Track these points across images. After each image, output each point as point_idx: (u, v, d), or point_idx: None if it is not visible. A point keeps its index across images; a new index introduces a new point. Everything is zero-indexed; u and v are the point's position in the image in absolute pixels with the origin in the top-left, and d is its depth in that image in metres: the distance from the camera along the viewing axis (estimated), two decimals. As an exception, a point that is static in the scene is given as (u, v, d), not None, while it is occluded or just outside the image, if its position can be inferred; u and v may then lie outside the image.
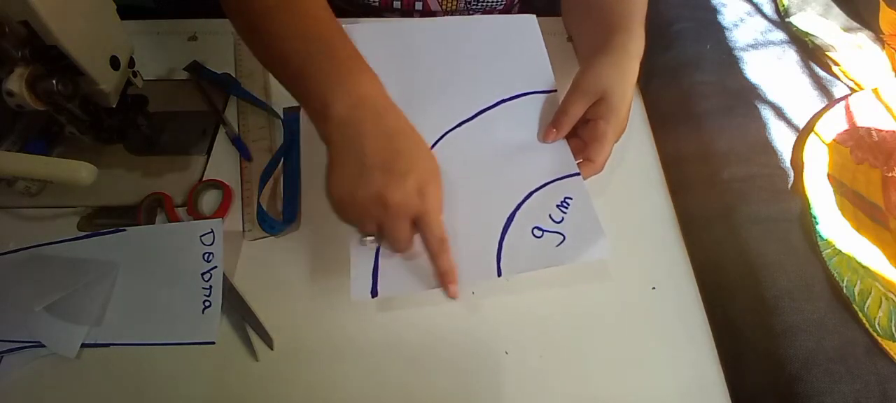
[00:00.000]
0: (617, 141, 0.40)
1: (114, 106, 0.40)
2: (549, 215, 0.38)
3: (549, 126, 0.42)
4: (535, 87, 0.45)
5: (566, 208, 0.39)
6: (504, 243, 0.37)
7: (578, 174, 0.40)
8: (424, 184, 0.34)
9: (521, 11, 0.67)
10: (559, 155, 0.41)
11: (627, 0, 0.47)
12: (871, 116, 0.49)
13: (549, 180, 0.40)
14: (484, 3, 0.62)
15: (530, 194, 0.39)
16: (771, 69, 0.54)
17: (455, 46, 0.48)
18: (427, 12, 0.62)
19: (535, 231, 0.38)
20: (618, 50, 0.42)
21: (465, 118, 0.44)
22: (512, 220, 0.38)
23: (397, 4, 0.61)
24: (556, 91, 0.45)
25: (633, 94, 0.41)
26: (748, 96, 0.52)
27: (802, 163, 0.46)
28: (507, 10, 0.65)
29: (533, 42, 0.48)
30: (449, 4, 0.61)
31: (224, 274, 0.39)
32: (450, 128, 0.43)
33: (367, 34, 0.47)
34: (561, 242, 0.37)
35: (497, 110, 0.44)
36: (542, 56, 0.48)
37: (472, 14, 0.63)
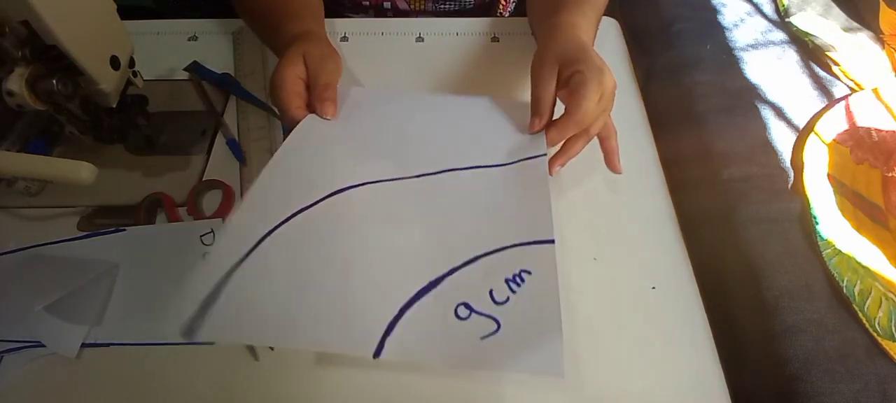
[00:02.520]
0: (607, 97, 0.36)
1: (114, 106, 0.40)
2: (491, 291, 0.29)
3: (531, 117, 0.38)
4: (527, 154, 0.39)
5: (518, 285, 0.29)
6: (405, 316, 0.28)
7: (552, 242, 0.31)
8: (274, 71, 0.40)
9: (515, 13, 0.67)
10: (535, 216, 0.33)
11: None
12: (871, 116, 0.49)
13: (509, 244, 0.31)
14: (453, 2, 0.62)
15: (475, 259, 0.31)
16: (771, 69, 0.54)
17: (450, 118, 0.44)
18: (397, 12, 0.62)
19: (461, 309, 0.28)
20: (564, 25, 0.41)
21: (430, 171, 0.37)
22: (433, 287, 0.29)
23: (366, 3, 0.61)
24: (545, 154, 0.38)
25: (599, 57, 0.37)
26: (748, 96, 0.52)
27: (802, 163, 0.46)
28: (485, 10, 0.65)
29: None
30: (416, 4, 0.61)
31: (224, 274, 0.39)
32: (407, 175, 0.37)
33: (368, 99, 0.45)
34: (491, 333, 0.27)
35: (471, 171, 0.38)
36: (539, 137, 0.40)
37: (441, 13, 0.63)
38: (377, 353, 0.27)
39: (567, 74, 0.37)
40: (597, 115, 0.37)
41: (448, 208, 0.35)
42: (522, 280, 0.29)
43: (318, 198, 0.34)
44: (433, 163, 0.38)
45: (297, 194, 0.34)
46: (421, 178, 0.37)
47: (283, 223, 0.32)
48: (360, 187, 0.35)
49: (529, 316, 0.28)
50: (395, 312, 0.28)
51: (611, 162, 0.41)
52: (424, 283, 0.30)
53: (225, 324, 0.27)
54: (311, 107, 0.40)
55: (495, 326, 0.27)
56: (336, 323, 0.28)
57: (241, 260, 0.29)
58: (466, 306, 0.28)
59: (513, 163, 0.39)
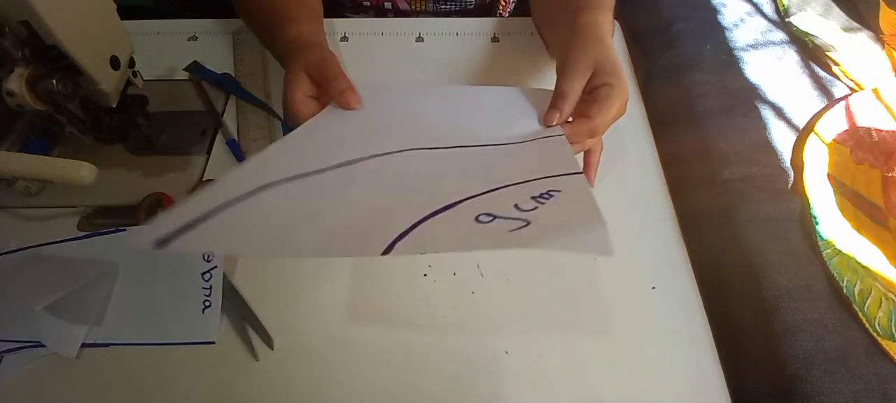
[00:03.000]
0: (621, 112, 0.38)
1: (114, 106, 0.40)
2: (516, 205, 0.27)
3: (549, 109, 0.38)
4: (544, 135, 0.39)
5: (545, 200, 0.27)
6: (419, 227, 0.26)
7: (581, 173, 0.31)
8: (284, 93, 0.40)
9: (515, 13, 0.67)
10: (561, 159, 0.33)
11: None
12: (871, 116, 0.49)
13: (534, 178, 0.30)
14: (453, 3, 0.62)
15: (498, 189, 0.29)
16: (771, 69, 0.54)
17: (466, 106, 0.44)
18: (398, 12, 0.62)
19: (483, 217, 0.26)
20: (591, 25, 0.41)
21: (443, 145, 0.37)
22: (449, 208, 0.27)
23: (367, 3, 0.61)
24: (562, 135, 0.38)
25: (621, 64, 0.39)
26: (748, 96, 0.52)
27: (802, 163, 0.46)
28: (486, 10, 0.65)
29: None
30: (418, 5, 0.62)
31: (224, 274, 0.39)
32: (416, 147, 0.36)
33: (381, 91, 0.44)
34: (519, 228, 0.25)
35: (487, 147, 0.38)
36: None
37: (442, 13, 0.63)
38: (388, 251, 0.24)
39: (597, 84, 0.38)
40: (606, 129, 0.38)
41: (466, 162, 0.34)
42: (550, 196, 0.27)
43: (329, 165, 0.32)
44: (448, 141, 0.38)
45: (307, 160, 0.32)
46: (434, 150, 0.36)
47: (288, 180, 0.30)
48: (374, 158, 0.34)
49: (563, 214, 0.26)
50: (408, 225, 0.26)
51: (589, 174, 0.41)
52: (440, 205, 0.27)
53: (207, 240, 0.25)
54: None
55: (523, 223, 0.25)
56: (341, 234, 0.26)
57: (239, 199, 0.27)
58: (488, 215, 0.26)
59: (528, 141, 0.38)
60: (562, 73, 0.39)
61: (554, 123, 0.38)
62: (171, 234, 0.24)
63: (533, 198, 0.27)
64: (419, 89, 0.46)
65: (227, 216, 0.26)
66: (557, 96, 0.38)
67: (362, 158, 0.34)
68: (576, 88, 0.38)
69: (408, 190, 0.30)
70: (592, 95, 0.38)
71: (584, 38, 0.40)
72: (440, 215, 0.27)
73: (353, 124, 0.39)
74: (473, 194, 0.28)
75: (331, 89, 0.40)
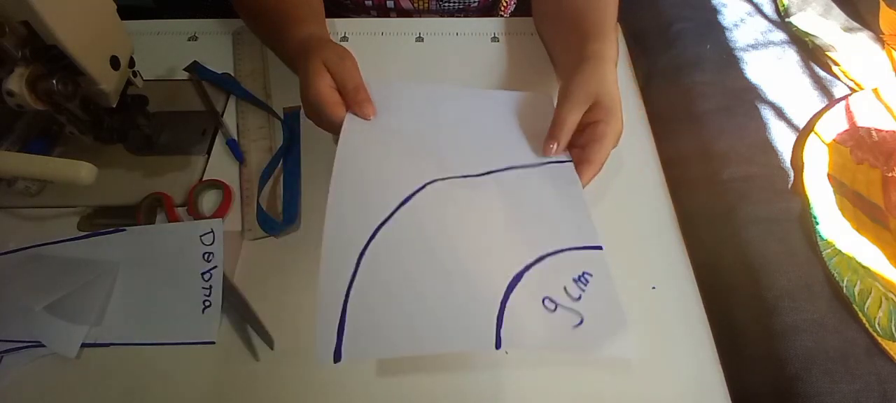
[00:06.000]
0: (615, 145, 0.40)
1: (114, 106, 0.40)
2: (565, 287, 0.33)
3: (548, 139, 0.40)
4: (552, 158, 0.42)
5: (584, 285, 0.34)
6: (506, 309, 0.32)
7: (601, 248, 0.36)
8: (305, 87, 0.41)
9: (516, 13, 0.67)
10: (579, 223, 0.37)
11: (599, 6, 0.47)
12: (871, 116, 0.49)
13: (565, 247, 0.36)
14: (455, 2, 0.62)
15: (542, 258, 0.35)
16: (771, 69, 0.54)
17: (475, 113, 0.46)
18: (401, 12, 0.62)
19: (547, 302, 0.33)
20: (597, 57, 0.42)
21: (473, 173, 0.40)
22: (518, 282, 0.33)
23: (369, 3, 0.61)
24: (571, 161, 0.41)
25: (620, 97, 0.40)
26: (748, 96, 0.52)
27: (802, 163, 0.46)
28: (487, 10, 0.65)
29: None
30: (421, 4, 0.62)
31: (224, 274, 0.39)
32: (454, 175, 0.39)
33: (393, 91, 0.46)
34: (579, 324, 0.32)
35: (508, 173, 0.41)
36: None
37: (445, 12, 0.63)
38: (498, 345, 0.30)
39: (593, 119, 0.40)
40: (604, 162, 0.40)
41: (502, 209, 0.38)
42: (586, 281, 0.34)
43: (391, 211, 0.36)
44: (473, 164, 0.41)
45: (372, 210, 0.36)
46: (467, 179, 0.39)
47: (370, 240, 0.34)
48: (421, 192, 0.37)
49: (601, 312, 0.32)
50: (498, 306, 0.32)
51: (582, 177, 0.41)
52: (510, 278, 0.33)
53: (360, 343, 0.30)
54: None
55: (580, 318, 0.32)
56: (453, 323, 0.31)
57: (351, 282, 0.32)
58: (551, 300, 0.33)
59: (542, 164, 0.41)
60: (562, 102, 0.40)
61: (551, 154, 0.40)
62: (338, 346, 0.29)
63: (575, 280, 0.34)
64: (427, 91, 0.47)
65: (353, 307, 0.31)
66: (556, 125, 0.40)
67: (413, 194, 0.37)
68: (573, 119, 0.40)
69: (477, 252, 0.35)
70: (588, 132, 0.40)
71: (591, 69, 0.41)
72: (514, 292, 0.33)
73: (384, 140, 0.41)
74: (528, 264, 0.34)
75: (348, 98, 0.41)
